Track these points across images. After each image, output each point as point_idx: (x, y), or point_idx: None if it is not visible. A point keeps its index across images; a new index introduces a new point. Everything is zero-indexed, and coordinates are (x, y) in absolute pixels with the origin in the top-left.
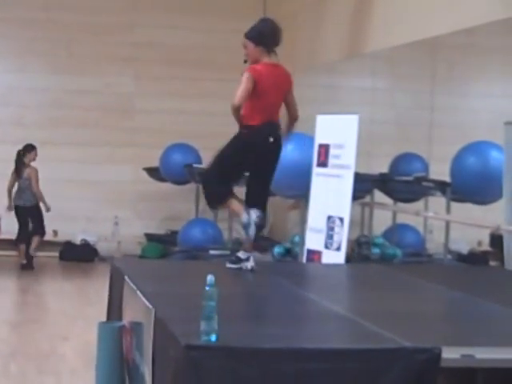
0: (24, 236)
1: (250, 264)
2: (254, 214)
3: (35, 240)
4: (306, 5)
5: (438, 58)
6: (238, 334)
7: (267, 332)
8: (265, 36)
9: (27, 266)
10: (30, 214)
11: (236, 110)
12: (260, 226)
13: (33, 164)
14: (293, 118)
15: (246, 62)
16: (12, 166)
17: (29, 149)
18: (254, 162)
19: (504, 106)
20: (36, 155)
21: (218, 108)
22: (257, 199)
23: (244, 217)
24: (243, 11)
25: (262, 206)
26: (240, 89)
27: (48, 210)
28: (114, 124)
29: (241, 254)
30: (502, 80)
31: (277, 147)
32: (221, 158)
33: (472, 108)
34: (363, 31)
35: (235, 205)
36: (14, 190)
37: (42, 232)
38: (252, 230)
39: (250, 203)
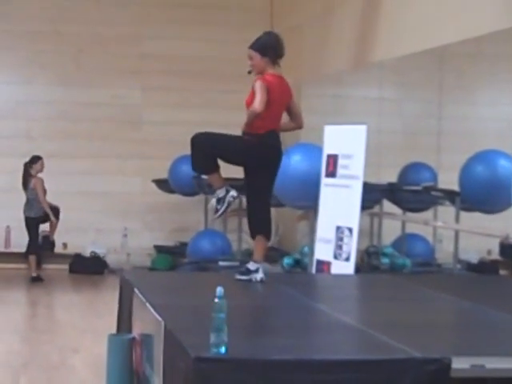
0: (34, 248)
1: (259, 275)
2: (232, 192)
3: (32, 260)
4: (312, 16)
5: (446, 66)
6: (248, 345)
7: (277, 343)
8: (270, 48)
9: (37, 278)
10: (39, 224)
11: (256, 116)
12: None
13: (40, 175)
14: (298, 127)
15: (249, 72)
16: (20, 179)
17: (34, 160)
18: (254, 168)
19: None
20: (43, 166)
21: (226, 119)
22: (260, 222)
23: (221, 191)
24: (250, 23)
25: (266, 232)
26: (260, 96)
27: (52, 222)
28: (123, 136)
29: (250, 266)
30: (510, 88)
31: (278, 156)
32: (222, 144)
33: (480, 117)
34: (370, 41)
35: (217, 178)
36: (23, 202)
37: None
38: (223, 206)
39: (253, 228)
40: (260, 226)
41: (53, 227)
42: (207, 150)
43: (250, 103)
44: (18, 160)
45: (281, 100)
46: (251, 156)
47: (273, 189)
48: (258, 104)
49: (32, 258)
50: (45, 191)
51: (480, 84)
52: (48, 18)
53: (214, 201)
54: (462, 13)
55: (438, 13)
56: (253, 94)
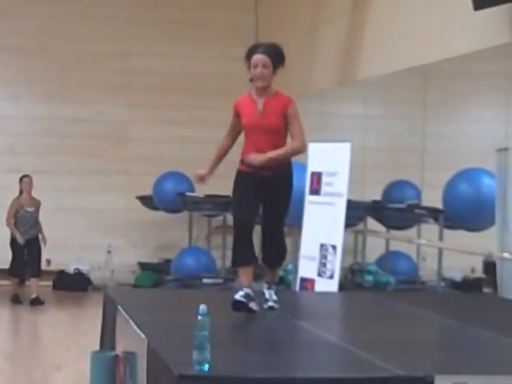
0: (19, 268)
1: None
2: (271, 296)
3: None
4: (298, 33)
5: (430, 84)
6: (231, 363)
7: (260, 361)
8: (281, 63)
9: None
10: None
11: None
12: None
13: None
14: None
15: (251, 80)
16: (5, 195)
17: (20, 179)
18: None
19: (496, 132)
20: (27, 184)
21: (211, 136)
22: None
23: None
24: (236, 40)
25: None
26: (301, 128)
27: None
28: (107, 152)
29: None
30: (494, 106)
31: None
32: None
33: (464, 134)
34: (355, 58)
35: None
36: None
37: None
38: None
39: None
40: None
41: (33, 284)
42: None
43: (277, 125)
44: (2, 176)
45: None
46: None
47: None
48: (303, 141)
49: (33, 281)
50: (19, 211)
51: (464, 102)
52: (34, 34)
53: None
54: (446, 31)
55: (422, 31)
56: (281, 117)
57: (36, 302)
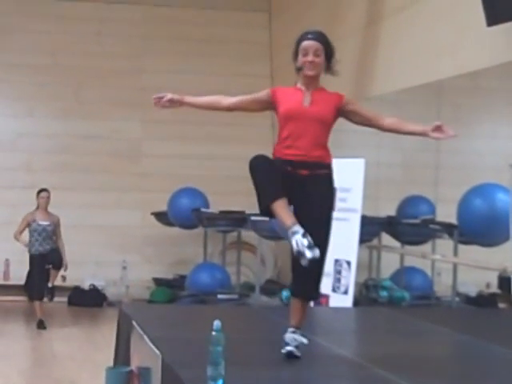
0: (39, 290)
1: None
2: (293, 341)
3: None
4: None
5: (443, 100)
6: (245, 379)
7: (274, 377)
8: (334, 50)
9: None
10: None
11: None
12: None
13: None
14: None
15: (299, 70)
16: (21, 212)
17: (38, 192)
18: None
19: (509, 147)
20: (43, 198)
21: (225, 152)
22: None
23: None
24: (250, 56)
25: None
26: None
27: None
28: (122, 169)
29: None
30: (507, 122)
31: None
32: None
33: (477, 150)
34: (369, 75)
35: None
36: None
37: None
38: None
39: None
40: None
41: (53, 275)
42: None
43: (327, 115)
44: (18, 192)
45: None
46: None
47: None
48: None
49: (36, 303)
50: (29, 225)
51: (477, 118)
52: (48, 51)
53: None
54: (459, 47)
55: (435, 47)
56: (332, 109)
57: (40, 326)
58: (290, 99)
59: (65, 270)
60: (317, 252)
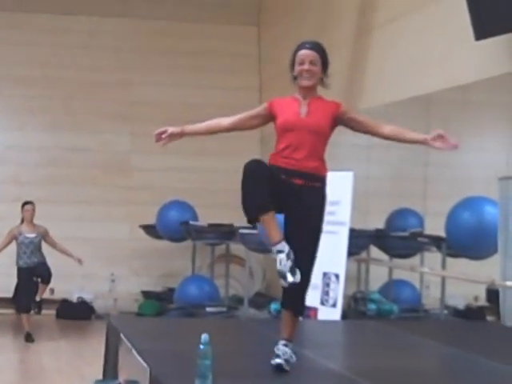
0: (26, 303)
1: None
2: (285, 353)
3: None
4: None
5: (432, 113)
6: None
7: None
8: (329, 63)
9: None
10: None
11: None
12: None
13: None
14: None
15: (295, 79)
16: (9, 224)
17: (22, 205)
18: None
19: (498, 161)
20: (27, 211)
21: (214, 165)
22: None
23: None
24: (239, 69)
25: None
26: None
27: None
28: (111, 182)
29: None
30: (496, 135)
31: None
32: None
33: (466, 163)
34: (357, 88)
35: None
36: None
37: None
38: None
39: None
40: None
41: (41, 289)
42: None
43: (324, 126)
44: (6, 205)
45: None
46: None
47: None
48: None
49: (24, 316)
50: (13, 240)
51: (466, 131)
52: (38, 64)
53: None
54: (448, 61)
55: (424, 61)
56: (328, 119)
57: (28, 339)
58: (286, 110)
59: (81, 264)
60: (298, 277)
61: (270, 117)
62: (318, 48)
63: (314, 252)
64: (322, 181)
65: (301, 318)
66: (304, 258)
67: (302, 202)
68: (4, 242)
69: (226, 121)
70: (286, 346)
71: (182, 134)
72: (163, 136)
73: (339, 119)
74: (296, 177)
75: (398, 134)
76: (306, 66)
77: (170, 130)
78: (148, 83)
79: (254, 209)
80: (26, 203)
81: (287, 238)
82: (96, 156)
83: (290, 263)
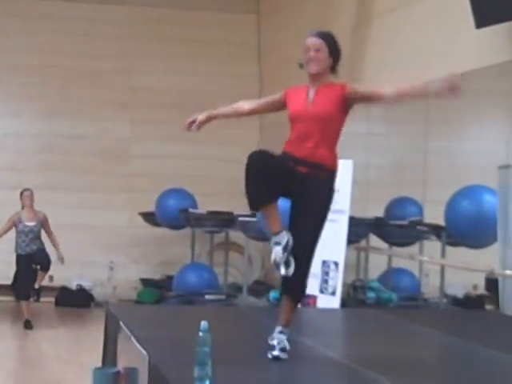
0: (25, 291)
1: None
2: (280, 343)
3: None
4: (300, 50)
5: (432, 102)
6: (232, 379)
7: (261, 377)
8: (340, 50)
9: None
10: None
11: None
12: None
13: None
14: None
15: (301, 66)
16: (7, 212)
17: (21, 193)
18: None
19: (497, 149)
20: (28, 198)
21: (214, 153)
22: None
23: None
24: (238, 57)
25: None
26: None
27: None
28: (110, 169)
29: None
30: (495, 124)
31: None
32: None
33: (466, 152)
34: (357, 76)
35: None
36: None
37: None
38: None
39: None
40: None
41: (40, 276)
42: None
43: (329, 112)
44: (4, 193)
45: None
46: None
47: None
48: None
49: (23, 303)
50: (13, 227)
51: (465, 119)
52: (36, 51)
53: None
54: (448, 49)
55: (424, 49)
56: (334, 104)
57: (27, 326)
58: (295, 100)
59: (62, 263)
60: (291, 270)
61: (284, 105)
62: (324, 35)
63: (313, 240)
64: (328, 171)
65: (299, 306)
66: (303, 245)
67: (306, 190)
68: (4, 228)
69: (246, 105)
70: (281, 332)
71: (209, 119)
72: (195, 124)
73: (350, 100)
74: (302, 165)
75: (399, 96)
76: (310, 53)
77: (199, 117)
78: (147, 71)
79: (254, 201)
80: (24, 190)
81: (290, 223)
82: (95, 143)
83: (285, 256)
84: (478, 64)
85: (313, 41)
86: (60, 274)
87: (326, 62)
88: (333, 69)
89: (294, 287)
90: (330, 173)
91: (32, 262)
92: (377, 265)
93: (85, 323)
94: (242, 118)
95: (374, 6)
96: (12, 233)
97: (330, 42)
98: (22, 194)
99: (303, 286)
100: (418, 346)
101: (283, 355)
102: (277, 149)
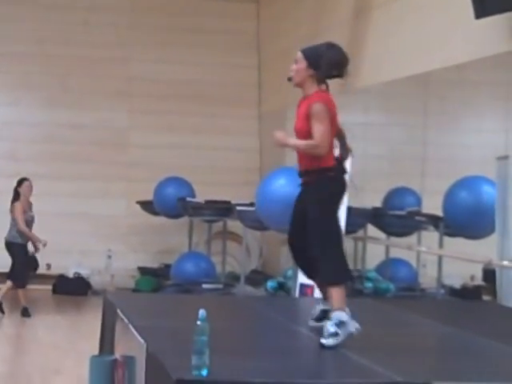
0: (22, 278)
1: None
2: (356, 324)
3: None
4: (299, 40)
5: (430, 92)
6: (230, 368)
7: (259, 366)
8: (326, 62)
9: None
10: (13, 251)
11: (316, 152)
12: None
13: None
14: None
15: (289, 79)
16: (5, 200)
17: (21, 182)
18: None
19: (495, 140)
20: (29, 188)
21: (212, 142)
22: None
23: (343, 314)
24: (237, 47)
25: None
26: (323, 127)
27: (36, 249)
28: (108, 158)
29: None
30: (494, 115)
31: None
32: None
33: (464, 143)
34: (356, 66)
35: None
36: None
37: (16, 279)
38: (340, 336)
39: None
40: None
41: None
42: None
43: (301, 128)
44: (2, 181)
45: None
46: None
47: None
48: (319, 140)
49: (20, 291)
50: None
51: (464, 110)
52: (35, 40)
53: (331, 324)
54: (447, 40)
55: (423, 39)
56: (305, 120)
57: (24, 314)
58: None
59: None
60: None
61: None
62: (305, 49)
63: (319, 240)
64: (314, 173)
65: (297, 295)
66: (314, 248)
67: (303, 199)
68: (23, 220)
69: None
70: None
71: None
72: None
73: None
74: (302, 175)
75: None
76: (293, 67)
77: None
78: (146, 60)
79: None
80: (23, 179)
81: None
82: (93, 132)
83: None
84: (477, 54)
85: (296, 56)
86: (57, 262)
87: (303, 73)
88: (319, 79)
89: (324, 273)
90: (316, 174)
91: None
92: (374, 255)
93: (82, 311)
94: (241, 108)
95: None
96: (7, 220)
97: (309, 54)
98: (20, 183)
99: (330, 270)
100: (415, 335)
101: (330, 341)
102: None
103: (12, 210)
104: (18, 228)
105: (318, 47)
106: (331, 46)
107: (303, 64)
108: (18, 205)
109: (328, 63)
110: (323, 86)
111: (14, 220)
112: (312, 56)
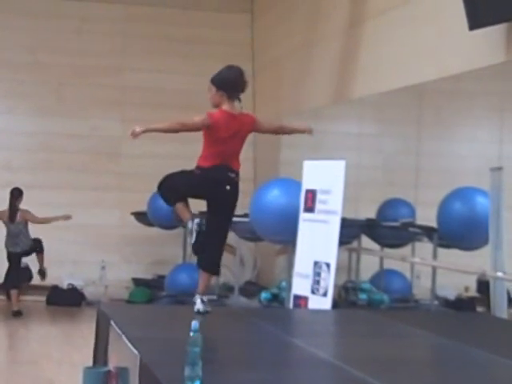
0: (17, 282)
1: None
2: (196, 220)
3: (14, 294)
4: (293, 50)
5: (425, 103)
6: (223, 380)
7: (252, 378)
8: (228, 82)
9: (18, 312)
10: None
11: (175, 130)
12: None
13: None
14: (278, 131)
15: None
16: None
17: (21, 193)
18: (209, 202)
19: (490, 151)
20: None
21: None
22: (207, 259)
23: (189, 223)
24: (231, 56)
25: (210, 271)
26: (192, 118)
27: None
28: (102, 168)
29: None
30: (488, 126)
31: (229, 194)
32: (179, 181)
33: (458, 153)
34: (350, 77)
35: (182, 210)
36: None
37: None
38: (192, 236)
39: (201, 263)
40: (206, 262)
41: (40, 258)
42: (170, 188)
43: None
44: None
45: (233, 137)
46: (199, 188)
47: (226, 228)
48: (182, 120)
49: (14, 292)
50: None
51: (458, 121)
52: (29, 48)
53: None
54: (441, 51)
55: (417, 50)
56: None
57: (16, 314)
58: None
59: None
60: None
61: None
62: (212, 77)
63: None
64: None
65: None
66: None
67: None
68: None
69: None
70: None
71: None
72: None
73: None
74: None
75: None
76: (208, 95)
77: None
78: (139, 69)
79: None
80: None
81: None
82: (86, 142)
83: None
84: (471, 65)
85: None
86: (51, 273)
87: (216, 98)
88: (228, 97)
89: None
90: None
91: (21, 258)
92: (368, 266)
93: (76, 322)
94: None
95: (367, 6)
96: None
97: (215, 80)
98: (12, 193)
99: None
100: (409, 347)
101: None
102: (272, 144)
103: (24, 217)
104: (39, 222)
105: (221, 71)
106: (229, 67)
107: (213, 90)
108: (27, 212)
109: (227, 82)
110: (236, 102)
111: (25, 227)
112: (217, 81)
